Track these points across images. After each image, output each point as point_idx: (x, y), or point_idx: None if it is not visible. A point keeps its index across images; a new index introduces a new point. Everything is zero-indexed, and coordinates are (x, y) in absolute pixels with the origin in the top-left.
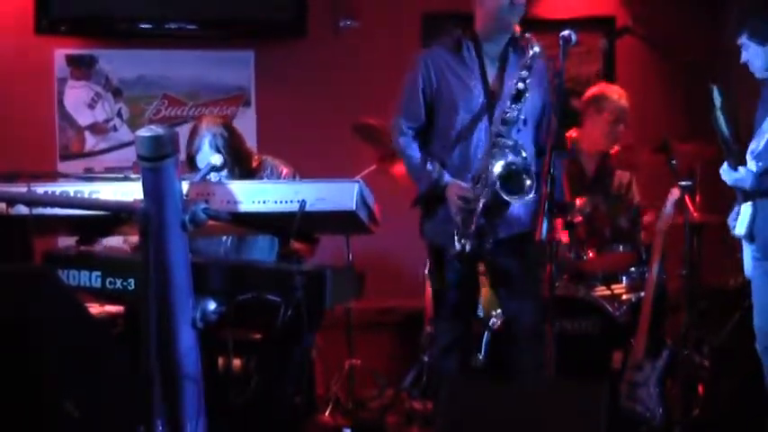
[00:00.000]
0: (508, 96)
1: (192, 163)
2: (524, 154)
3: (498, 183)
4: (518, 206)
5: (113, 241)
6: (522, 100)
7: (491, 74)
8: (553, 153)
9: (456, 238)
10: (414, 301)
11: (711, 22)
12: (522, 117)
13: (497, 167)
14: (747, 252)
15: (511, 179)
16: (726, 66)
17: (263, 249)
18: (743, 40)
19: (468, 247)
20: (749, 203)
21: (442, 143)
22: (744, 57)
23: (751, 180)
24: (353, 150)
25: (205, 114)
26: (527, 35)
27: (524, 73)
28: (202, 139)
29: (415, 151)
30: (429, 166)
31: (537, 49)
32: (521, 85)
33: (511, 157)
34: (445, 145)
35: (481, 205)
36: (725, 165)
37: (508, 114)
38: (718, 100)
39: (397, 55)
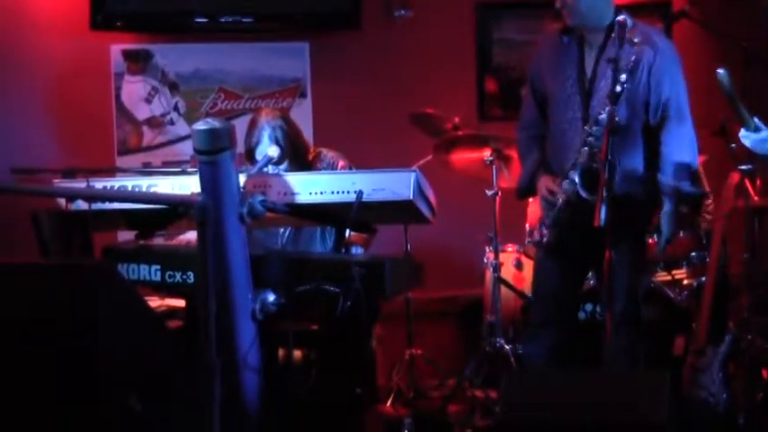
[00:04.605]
0: (604, 96)
1: (251, 156)
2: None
3: (578, 181)
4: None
5: (191, 235)
6: (618, 103)
7: (589, 65)
8: (611, 139)
9: (538, 227)
10: (474, 290)
11: None
12: (617, 118)
13: (577, 169)
14: None
15: (592, 177)
16: None
17: (319, 240)
18: None
19: (541, 237)
20: None
21: (549, 135)
22: None
23: None
24: (410, 140)
25: (263, 107)
26: (625, 21)
27: (623, 77)
28: (262, 131)
29: (521, 144)
30: (528, 159)
31: (635, 44)
32: (618, 89)
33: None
34: (548, 137)
35: (560, 201)
36: (743, 130)
37: (601, 116)
38: (729, 83)
39: (452, 44)
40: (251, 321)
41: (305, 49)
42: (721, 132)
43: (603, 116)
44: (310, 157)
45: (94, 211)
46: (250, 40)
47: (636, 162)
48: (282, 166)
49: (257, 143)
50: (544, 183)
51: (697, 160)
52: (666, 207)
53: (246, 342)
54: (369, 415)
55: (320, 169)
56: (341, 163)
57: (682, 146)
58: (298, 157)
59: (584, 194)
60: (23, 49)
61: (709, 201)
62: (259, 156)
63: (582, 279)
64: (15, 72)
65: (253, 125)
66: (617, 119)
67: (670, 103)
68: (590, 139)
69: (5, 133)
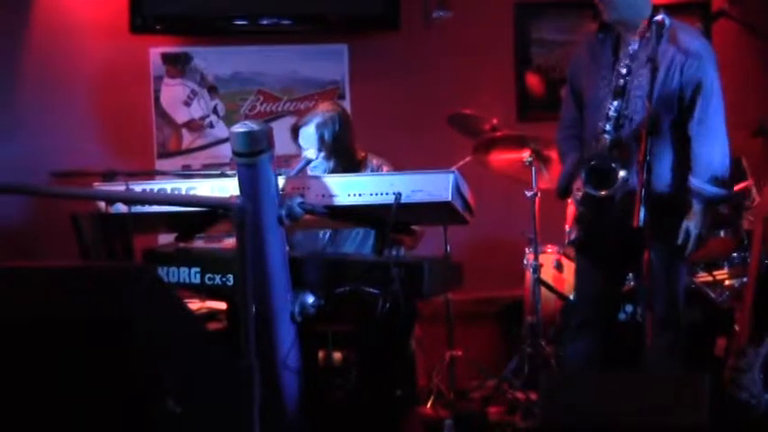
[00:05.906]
0: (610, 92)
1: (295, 133)
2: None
3: (585, 178)
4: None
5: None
6: (624, 96)
7: (624, 64)
8: (649, 139)
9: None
10: (514, 292)
11: None
12: (626, 113)
13: (585, 166)
14: None
15: (599, 174)
16: None
17: (359, 242)
18: None
19: (572, 236)
20: None
21: (585, 135)
22: None
23: None
24: (449, 141)
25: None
26: (663, 21)
27: (623, 70)
28: (312, 117)
29: (561, 145)
30: (567, 159)
31: (636, 42)
32: (621, 82)
33: (596, 157)
34: (585, 136)
35: (578, 197)
36: None
37: (609, 111)
38: None
39: (490, 45)
40: (290, 323)
41: (344, 51)
42: (760, 133)
43: (612, 112)
44: (358, 159)
45: (134, 214)
46: (289, 42)
47: (664, 163)
48: (331, 164)
49: (303, 125)
50: (577, 184)
51: (727, 158)
52: (695, 207)
53: (286, 344)
54: (409, 416)
55: None
56: (385, 169)
57: (712, 143)
58: (339, 156)
59: (589, 190)
60: (63, 52)
61: (754, 201)
62: (301, 138)
63: (619, 279)
64: (55, 75)
65: (311, 108)
66: (626, 112)
67: (702, 85)
68: (604, 136)
69: (46, 137)
